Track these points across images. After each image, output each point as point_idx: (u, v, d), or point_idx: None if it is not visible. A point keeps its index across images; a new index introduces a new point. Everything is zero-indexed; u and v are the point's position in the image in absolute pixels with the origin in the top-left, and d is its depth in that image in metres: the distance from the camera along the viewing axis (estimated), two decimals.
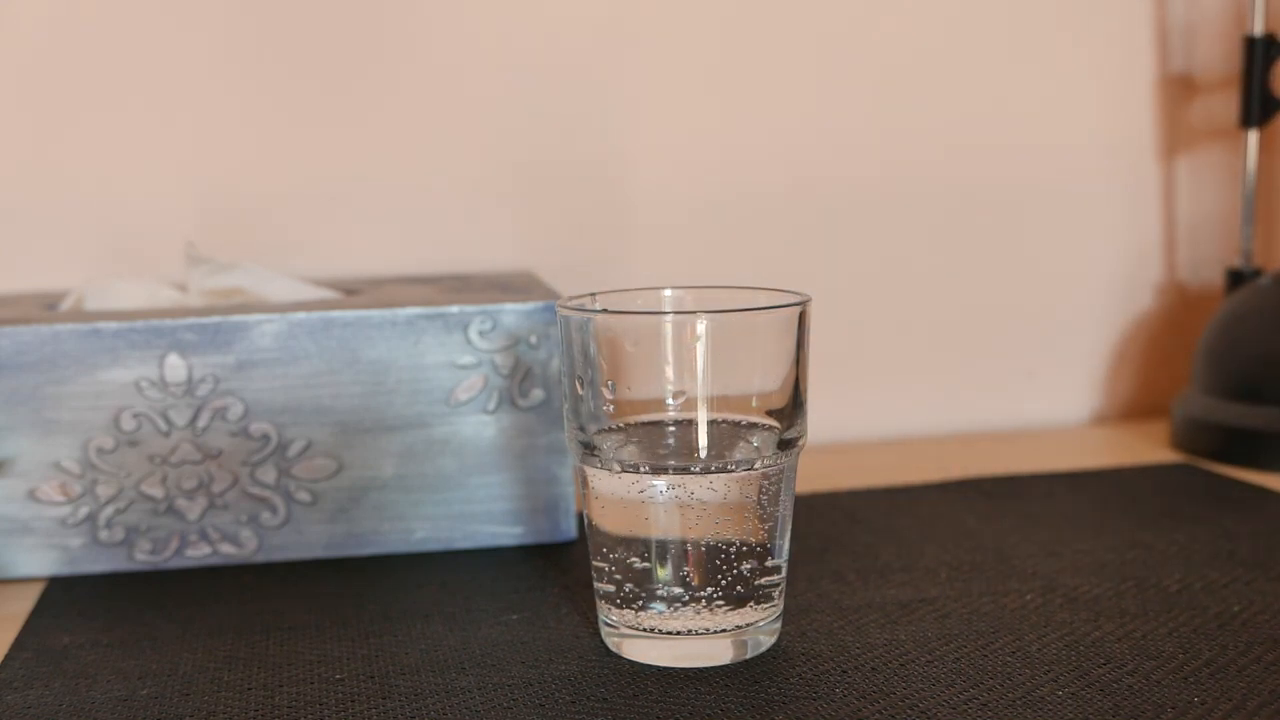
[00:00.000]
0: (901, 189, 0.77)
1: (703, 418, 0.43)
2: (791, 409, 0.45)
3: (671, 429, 0.44)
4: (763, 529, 0.45)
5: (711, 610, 0.44)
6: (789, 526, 0.46)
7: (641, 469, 0.43)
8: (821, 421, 0.72)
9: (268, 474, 0.55)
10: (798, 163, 0.76)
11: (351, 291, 0.62)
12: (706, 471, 0.43)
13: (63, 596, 0.53)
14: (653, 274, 0.72)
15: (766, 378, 0.45)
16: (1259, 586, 0.50)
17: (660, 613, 0.44)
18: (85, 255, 0.69)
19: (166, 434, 0.54)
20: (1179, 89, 0.81)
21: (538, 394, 0.56)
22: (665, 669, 0.44)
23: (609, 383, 0.45)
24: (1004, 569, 0.53)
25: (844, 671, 0.44)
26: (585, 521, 0.46)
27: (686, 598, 0.44)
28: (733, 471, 0.44)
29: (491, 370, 0.56)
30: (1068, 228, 0.80)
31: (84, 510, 0.54)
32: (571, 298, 0.47)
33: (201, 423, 0.54)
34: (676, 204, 0.75)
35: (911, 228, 0.78)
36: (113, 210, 0.69)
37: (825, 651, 0.45)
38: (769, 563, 0.45)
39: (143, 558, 0.55)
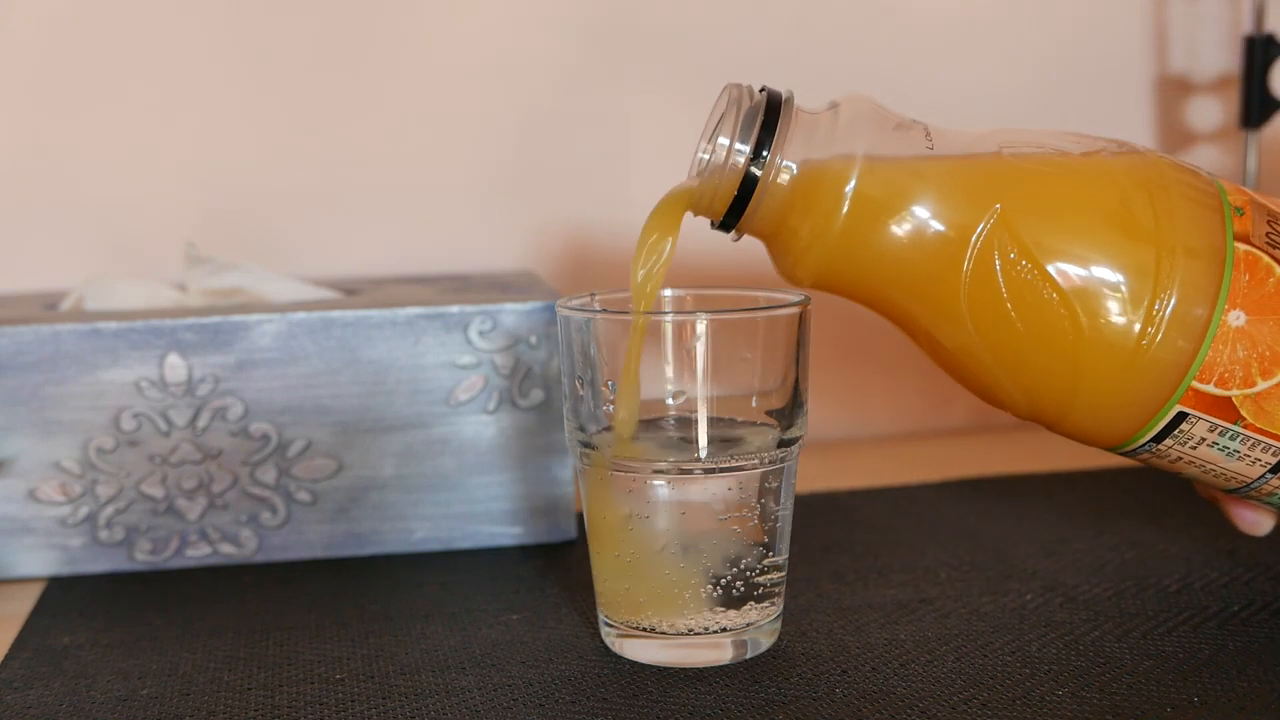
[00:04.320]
0: None
1: (703, 417, 0.43)
2: (791, 409, 0.45)
3: (671, 429, 0.44)
4: (763, 529, 0.45)
5: (712, 610, 0.44)
6: (789, 526, 0.46)
7: (641, 469, 0.43)
8: (821, 421, 0.72)
9: (268, 474, 0.55)
10: None
11: (351, 291, 0.63)
12: (707, 471, 0.43)
13: (63, 596, 0.53)
14: None
15: (766, 378, 0.45)
16: (1259, 586, 0.50)
17: (660, 613, 0.44)
18: (85, 255, 0.69)
19: (166, 434, 0.54)
20: (1178, 89, 0.81)
21: (538, 394, 0.56)
22: (665, 669, 0.44)
23: (609, 383, 0.45)
24: (1004, 569, 0.53)
25: (844, 671, 0.44)
26: (585, 521, 0.46)
27: (686, 597, 0.44)
28: (733, 472, 0.44)
29: (491, 370, 0.56)
30: None
31: (84, 510, 0.54)
32: (571, 298, 0.47)
33: (201, 423, 0.54)
34: None
35: None
36: (113, 210, 0.69)
37: (825, 651, 0.45)
38: (769, 562, 0.45)
39: (143, 558, 0.55)
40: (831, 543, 0.57)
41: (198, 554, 0.55)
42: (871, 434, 0.79)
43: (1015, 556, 0.54)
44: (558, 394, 0.56)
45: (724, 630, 0.44)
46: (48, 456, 0.54)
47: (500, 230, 0.73)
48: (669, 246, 0.45)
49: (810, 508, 0.61)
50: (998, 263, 0.42)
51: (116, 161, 0.69)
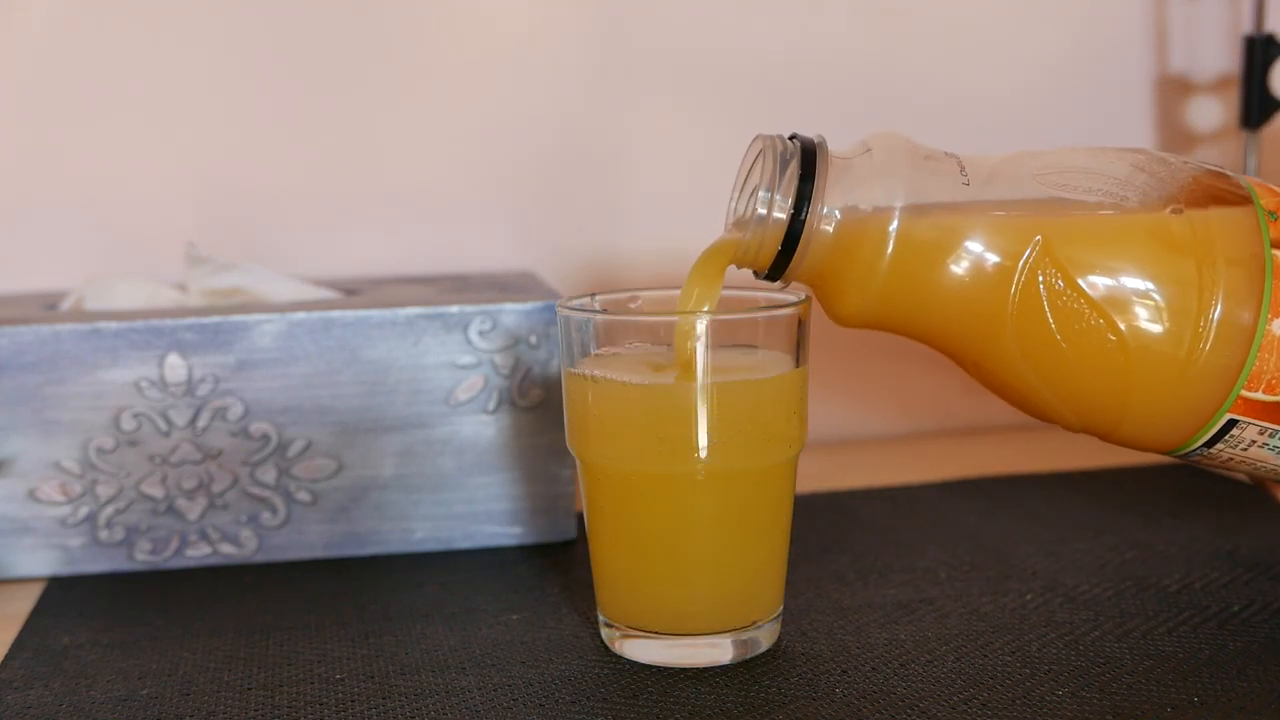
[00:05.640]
0: None
1: (703, 417, 0.43)
2: None
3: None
4: (763, 528, 0.45)
5: (712, 610, 0.44)
6: (789, 526, 0.46)
7: (642, 469, 0.43)
8: (821, 421, 0.72)
9: (268, 474, 0.55)
10: None
11: (351, 291, 0.63)
12: (707, 471, 0.43)
13: (63, 596, 0.53)
14: (653, 274, 0.72)
15: (767, 378, 0.45)
16: (1259, 586, 0.50)
17: (660, 612, 0.44)
18: (85, 255, 0.69)
19: (166, 434, 0.54)
20: (1178, 89, 0.81)
21: (538, 394, 0.56)
22: (665, 669, 0.44)
23: None
24: (1004, 569, 0.53)
25: (844, 671, 0.44)
26: (585, 521, 0.46)
27: (686, 597, 0.44)
28: (733, 471, 0.43)
29: (491, 370, 0.56)
30: None
31: (84, 510, 0.54)
32: (571, 298, 0.47)
33: (201, 423, 0.54)
34: (677, 204, 0.75)
35: None
36: (113, 210, 0.69)
37: (825, 651, 0.45)
38: (769, 562, 0.45)
39: (143, 558, 0.55)
40: (831, 543, 0.57)
41: (198, 554, 0.55)
42: (871, 434, 0.78)
43: (1015, 556, 0.54)
44: (558, 394, 0.56)
45: (724, 630, 0.44)
46: (48, 456, 0.54)
47: (500, 230, 0.73)
48: (712, 302, 0.45)
49: (810, 508, 0.61)
50: (1043, 292, 0.42)
51: (117, 162, 0.69)
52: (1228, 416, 0.43)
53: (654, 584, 0.45)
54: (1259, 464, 0.44)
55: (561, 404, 0.46)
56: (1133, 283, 0.42)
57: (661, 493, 0.44)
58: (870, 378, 0.78)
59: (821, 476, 0.66)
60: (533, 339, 0.56)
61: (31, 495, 0.54)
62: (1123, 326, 0.42)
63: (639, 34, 0.73)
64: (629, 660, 0.45)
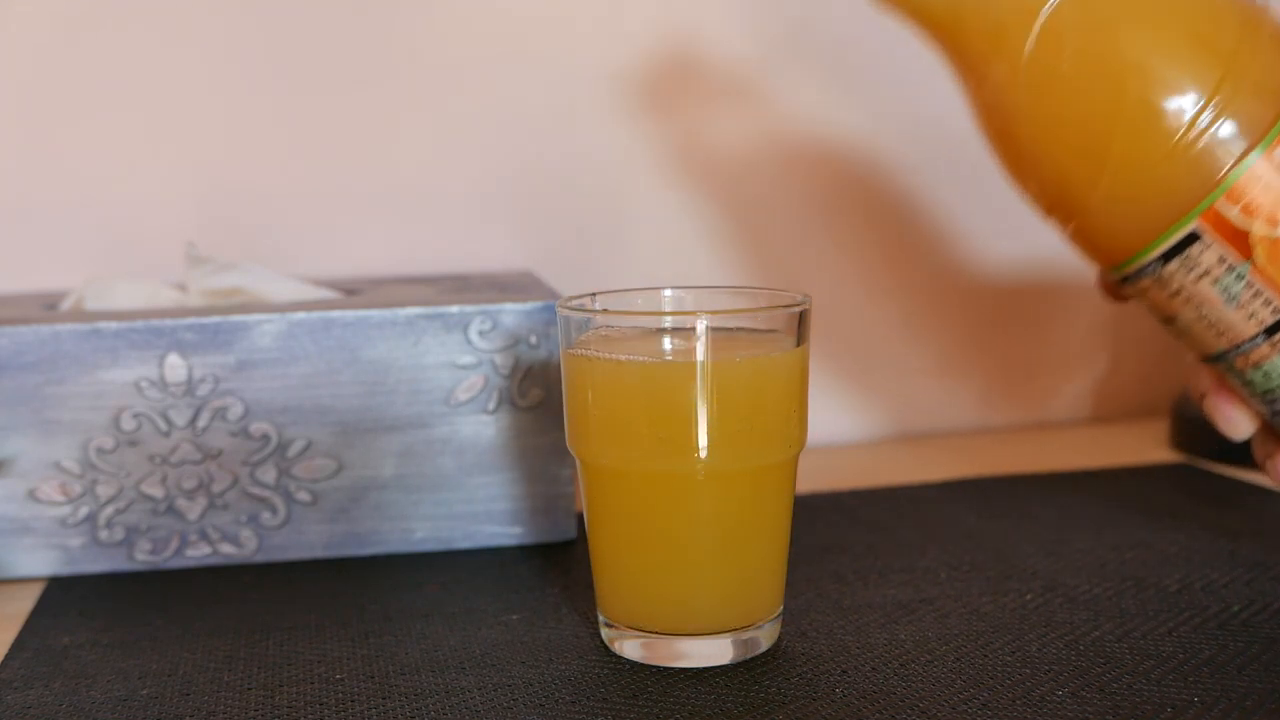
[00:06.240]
0: (902, 188, 0.77)
1: (703, 417, 0.43)
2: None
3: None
4: (763, 528, 0.45)
5: (712, 610, 0.44)
6: (789, 526, 0.46)
7: (641, 468, 0.43)
8: (821, 421, 0.72)
9: (268, 474, 0.55)
10: (795, 163, 0.76)
11: (351, 291, 0.63)
12: (707, 471, 0.43)
13: (63, 596, 0.53)
14: (652, 274, 0.72)
15: (768, 355, 0.45)
16: (1259, 586, 0.50)
17: (661, 612, 0.44)
18: (85, 255, 0.69)
19: (166, 434, 0.54)
20: None
21: (537, 394, 0.56)
22: (665, 669, 0.44)
23: None
24: (1004, 569, 0.53)
25: (844, 671, 0.44)
26: (585, 521, 0.46)
27: (687, 596, 0.44)
28: (733, 471, 0.44)
29: (491, 370, 0.56)
30: None
31: (84, 510, 0.54)
32: (571, 298, 0.47)
33: (201, 423, 0.54)
34: (677, 204, 0.75)
35: (912, 227, 0.78)
36: (113, 210, 0.69)
37: (825, 651, 0.45)
38: (769, 562, 0.45)
39: (143, 558, 0.55)
40: (831, 543, 0.57)
41: (198, 554, 0.55)
42: (871, 434, 0.79)
43: (1015, 556, 0.54)
44: (558, 394, 0.56)
45: (724, 630, 0.44)
46: (48, 456, 0.54)
47: (500, 230, 0.73)
48: None
49: (810, 508, 0.61)
50: (1074, 26, 0.43)
51: (117, 161, 0.69)
52: (1195, 224, 0.42)
53: (654, 584, 0.45)
54: (1205, 309, 0.44)
55: (561, 404, 0.46)
56: (1161, 50, 0.42)
57: (661, 492, 0.44)
58: (872, 377, 0.78)
59: (821, 476, 0.66)
60: (533, 339, 0.56)
61: (31, 495, 0.54)
62: (1130, 80, 0.42)
63: (639, 32, 0.73)
64: (629, 660, 0.45)
